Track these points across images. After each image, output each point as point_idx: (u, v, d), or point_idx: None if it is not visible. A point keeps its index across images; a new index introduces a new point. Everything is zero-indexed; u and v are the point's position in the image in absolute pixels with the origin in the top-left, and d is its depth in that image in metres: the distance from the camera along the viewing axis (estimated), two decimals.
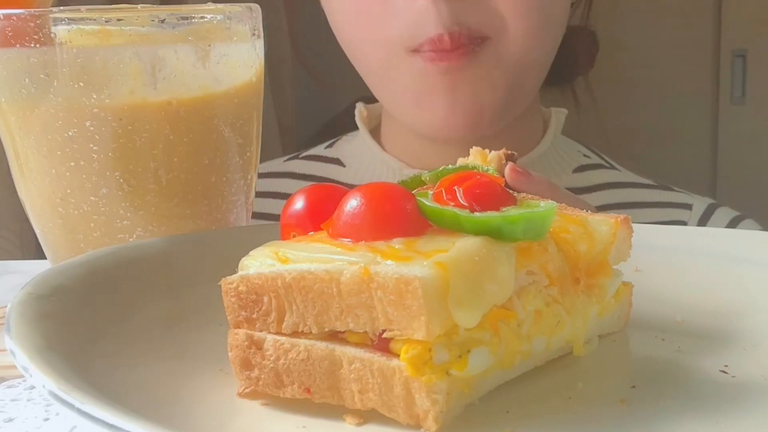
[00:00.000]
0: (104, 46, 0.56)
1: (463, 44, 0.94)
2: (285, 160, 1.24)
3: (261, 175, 1.14)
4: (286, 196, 1.14)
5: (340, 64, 1.09)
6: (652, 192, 1.16)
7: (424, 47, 0.95)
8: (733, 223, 1.12)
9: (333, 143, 1.22)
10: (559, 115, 1.15)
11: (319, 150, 1.22)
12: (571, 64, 1.24)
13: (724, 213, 1.14)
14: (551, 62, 1.07)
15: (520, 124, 1.12)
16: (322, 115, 1.99)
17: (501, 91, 1.00)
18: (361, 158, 1.16)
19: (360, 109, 1.17)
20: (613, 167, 1.19)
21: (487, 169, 0.50)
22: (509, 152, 0.63)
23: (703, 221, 1.13)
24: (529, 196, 0.48)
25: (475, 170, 0.51)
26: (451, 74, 0.97)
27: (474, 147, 0.63)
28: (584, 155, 1.18)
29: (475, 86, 0.98)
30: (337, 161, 1.19)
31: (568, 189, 1.11)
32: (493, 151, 0.63)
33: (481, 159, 0.63)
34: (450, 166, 0.52)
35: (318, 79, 1.45)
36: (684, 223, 1.12)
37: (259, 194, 1.12)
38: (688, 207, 1.14)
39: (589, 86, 1.32)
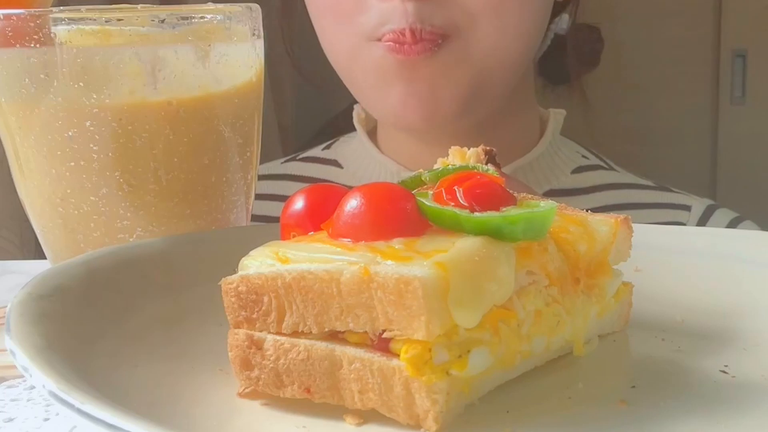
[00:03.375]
0: (104, 46, 0.56)
1: (424, 39, 0.94)
2: (282, 162, 1.24)
3: (258, 177, 1.14)
4: (284, 198, 1.15)
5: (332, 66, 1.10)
6: (651, 193, 1.16)
7: (385, 37, 0.96)
8: (732, 225, 1.12)
9: (330, 144, 1.22)
10: (557, 117, 1.15)
11: (317, 151, 1.22)
12: (576, 62, 1.24)
13: (723, 214, 1.14)
14: (527, 63, 1.06)
15: (516, 124, 1.12)
16: (322, 116, 1.99)
17: (462, 88, 0.99)
18: (358, 160, 1.16)
19: (357, 111, 1.17)
20: (611, 168, 1.19)
21: (487, 169, 0.50)
22: (488, 148, 0.64)
23: (702, 222, 1.13)
24: (530, 196, 0.48)
25: (475, 170, 0.51)
26: (408, 67, 0.97)
27: (453, 146, 0.63)
28: (583, 156, 1.18)
29: (432, 81, 0.98)
30: (334, 163, 1.19)
31: (566, 190, 1.11)
32: (471, 148, 0.63)
33: (460, 157, 0.63)
34: (450, 166, 0.52)
35: (313, 82, 1.46)
36: (683, 225, 1.12)
37: (257, 196, 1.12)
38: (687, 208, 1.14)
39: (581, 88, 1.32)
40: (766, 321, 0.52)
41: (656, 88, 2.62)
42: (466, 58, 0.97)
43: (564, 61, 1.18)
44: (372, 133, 1.17)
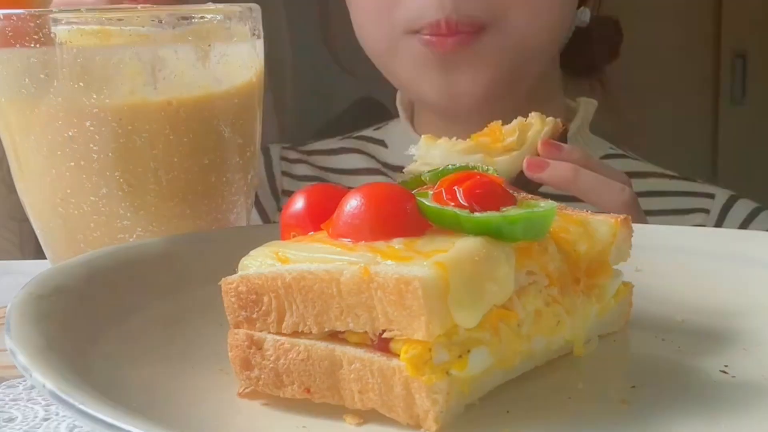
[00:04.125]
0: (104, 46, 0.56)
1: (461, 31, 0.97)
2: (340, 139, 1.28)
3: (318, 152, 1.19)
4: (343, 171, 1.15)
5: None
6: (675, 182, 1.19)
7: (422, 31, 0.99)
8: (753, 214, 1.15)
9: (380, 126, 1.27)
10: (588, 106, 1.16)
11: (369, 132, 1.27)
12: (594, 54, 1.25)
13: (745, 203, 1.17)
14: (556, 48, 1.10)
15: (543, 112, 1.13)
16: (322, 115, 1.99)
17: (501, 72, 1.02)
18: (400, 140, 1.19)
19: (400, 95, 1.21)
20: (637, 159, 1.22)
21: (488, 169, 0.50)
22: (564, 122, 0.72)
23: (725, 209, 1.15)
24: (530, 196, 0.48)
25: (476, 170, 0.51)
26: (447, 60, 1.00)
27: (533, 111, 0.70)
28: (609, 147, 1.21)
29: (471, 70, 1.01)
30: (382, 143, 1.23)
31: None
32: (550, 117, 0.71)
33: (540, 121, 0.71)
34: (450, 165, 0.52)
35: (347, 69, 1.49)
36: (707, 212, 1.15)
37: (320, 168, 1.20)
38: (710, 196, 1.17)
39: (601, 80, 1.33)
40: (766, 321, 0.52)
41: (656, 89, 2.62)
42: (502, 45, 1.00)
43: (585, 54, 1.20)
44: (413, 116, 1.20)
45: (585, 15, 1.14)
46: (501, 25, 0.99)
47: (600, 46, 1.25)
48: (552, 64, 1.13)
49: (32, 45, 0.55)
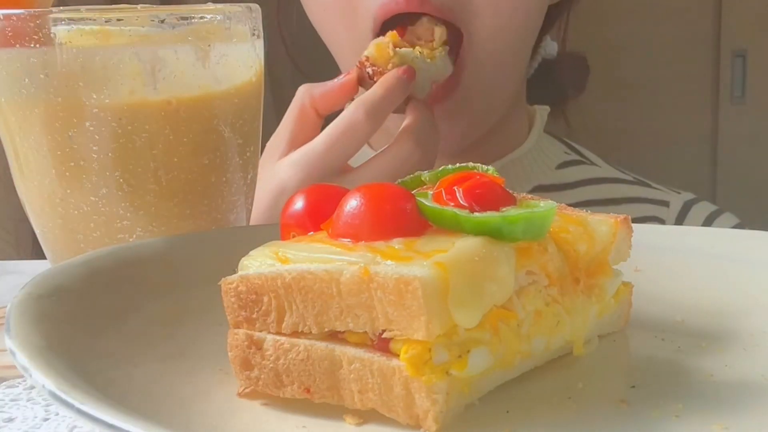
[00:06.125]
0: (104, 46, 0.56)
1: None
2: None
3: None
4: None
5: (332, 61, 1.11)
6: (631, 188, 1.18)
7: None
8: (710, 219, 1.14)
9: None
10: (542, 113, 1.16)
11: None
12: (562, 90, 1.25)
13: (701, 209, 1.15)
14: (523, 70, 1.08)
15: (508, 122, 1.13)
16: None
17: (473, 121, 1.02)
18: None
19: None
20: (592, 163, 1.21)
21: (487, 169, 0.50)
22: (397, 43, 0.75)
23: (680, 218, 1.14)
24: (529, 196, 0.48)
25: (475, 170, 0.51)
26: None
27: (373, 40, 0.72)
28: (565, 152, 1.20)
29: (446, 125, 0.98)
30: None
31: (553, 185, 1.13)
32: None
33: (377, 50, 0.77)
34: (450, 166, 0.52)
35: (310, 77, 1.48)
36: (662, 220, 1.13)
37: None
38: (665, 204, 1.15)
39: (564, 114, 1.32)
40: (766, 321, 0.52)
41: (656, 88, 2.62)
42: (471, 97, 0.98)
43: (551, 86, 1.19)
44: None
45: (552, 48, 1.14)
46: (472, 35, 0.97)
47: (567, 80, 1.25)
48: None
49: (32, 45, 0.55)
